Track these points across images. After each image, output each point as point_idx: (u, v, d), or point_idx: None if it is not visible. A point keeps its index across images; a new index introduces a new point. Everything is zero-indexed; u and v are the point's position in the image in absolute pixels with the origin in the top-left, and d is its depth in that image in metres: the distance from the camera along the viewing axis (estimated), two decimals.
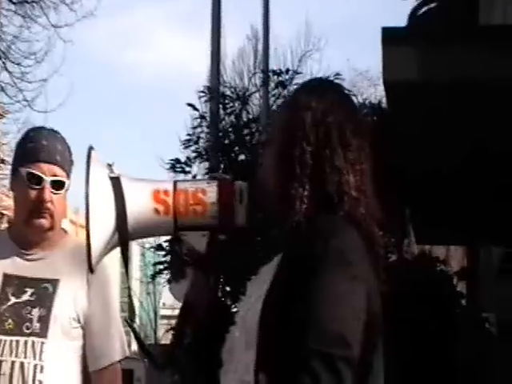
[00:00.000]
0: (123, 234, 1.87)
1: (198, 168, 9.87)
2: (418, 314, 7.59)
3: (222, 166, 9.20)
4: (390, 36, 5.03)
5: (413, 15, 7.76)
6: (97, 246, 1.88)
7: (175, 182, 1.92)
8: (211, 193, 1.90)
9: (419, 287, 7.83)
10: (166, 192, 1.88)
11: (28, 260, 2.68)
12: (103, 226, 1.86)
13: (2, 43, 12.81)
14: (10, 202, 25.52)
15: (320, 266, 1.75)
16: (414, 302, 7.65)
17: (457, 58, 5.00)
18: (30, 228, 2.67)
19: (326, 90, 2.03)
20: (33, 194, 2.64)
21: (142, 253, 40.17)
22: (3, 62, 12.86)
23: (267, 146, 1.98)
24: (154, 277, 11.14)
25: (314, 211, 1.85)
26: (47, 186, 2.64)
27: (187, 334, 2.02)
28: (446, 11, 7.29)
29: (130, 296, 2.00)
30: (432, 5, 7.75)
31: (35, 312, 2.60)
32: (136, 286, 38.18)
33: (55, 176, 2.65)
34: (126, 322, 1.97)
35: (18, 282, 2.64)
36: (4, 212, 32.30)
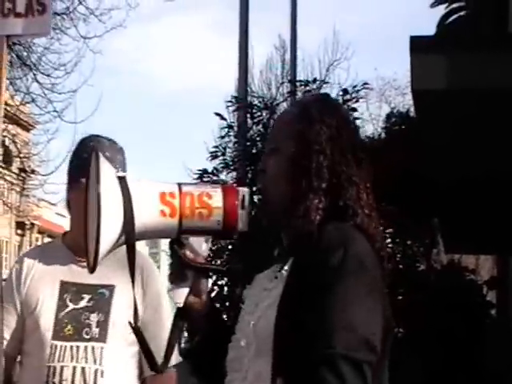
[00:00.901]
0: (130, 235, 1.86)
1: (226, 178, 9.89)
2: (448, 323, 7.54)
3: (249, 175, 9.21)
4: (418, 45, 5.02)
5: (441, 24, 7.74)
6: (105, 246, 1.87)
7: (179, 185, 1.90)
8: (216, 197, 1.89)
9: (448, 297, 7.78)
10: (171, 194, 1.87)
11: (84, 267, 2.70)
12: (112, 226, 1.84)
13: (33, 55, 12.93)
14: (40, 211, 25.73)
15: (341, 273, 1.78)
16: (443, 311, 7.60)
17: (485, 66, 4.97)
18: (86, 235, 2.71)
19: (335, 106, 2.11)
20: None
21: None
22: (34, 74, 12.98)
23: (274, 155, 1.98)
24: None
25: (324, 221, 1.90)
26: None
27: (183, 340, 2.02)
28: (475, 19, 7.26)
29: (134, 298, 2.02)
30: (461, 13, 7.71)
31: (93, 317, 2.64)
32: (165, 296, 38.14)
33: None
34: (129, 324, 1.97)
35: (75, 289, 2.68)
36: (34, 222, 32.66)
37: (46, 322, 2.64)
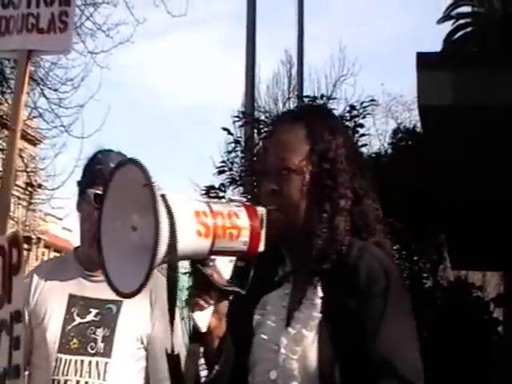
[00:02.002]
0: (173, 256, 1.75)
1: (233, 193, 9.89)
2: (454, 340, 7.50)
3: (256, 190, 9.21)
4: (424, 61, 5.02)
5: (448, 39, 7.74)
6: (155, 266, 1.77)
7: (208, 203, 1.84)
8: (243, 217, 1.85)
9: (455, 314, 7.75)
10: (204, 213, 1.80)
11: (92, 281, 2.73)
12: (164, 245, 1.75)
13: (40, 70, 12.98)
14: (46, 226, 25.77)
15: (388, 302, 1.84)
16: (449, 328, 7.57)
17: (492, 82, 4.97)
18: (95, 249, 2.71)
19: (334, 117, 2.13)
20: (93, 214, 2.66)
21: None
22: (41, 89, 13.02)
23: (289, 175, 1.94)
24: (187, 302, 11.11)
25: (347, 240, 1.90)
26: None
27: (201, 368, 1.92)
28: (482, 36, 7.26)
29: (171, 324, 1.95)
30: (468, 29, 7.71)
31: (99, 332, 2.65)
32: None
33: None
34: (165, 351, 1.91)
35: (82, 303, 2.69)
36: (41, 236, 32.68)
37: (53, 334, 2.65)
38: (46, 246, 36.49)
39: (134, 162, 1.76)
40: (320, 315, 1.86)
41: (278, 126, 2.07)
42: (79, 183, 2.80)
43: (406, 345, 1.83)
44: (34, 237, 32.93)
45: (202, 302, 1.87)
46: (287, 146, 1.99)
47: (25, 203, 19.41)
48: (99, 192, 2.67)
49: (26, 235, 32.31)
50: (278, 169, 1.96)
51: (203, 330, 1.89)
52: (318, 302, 1.88)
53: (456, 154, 5.81)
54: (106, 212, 1.84)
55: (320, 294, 1.88)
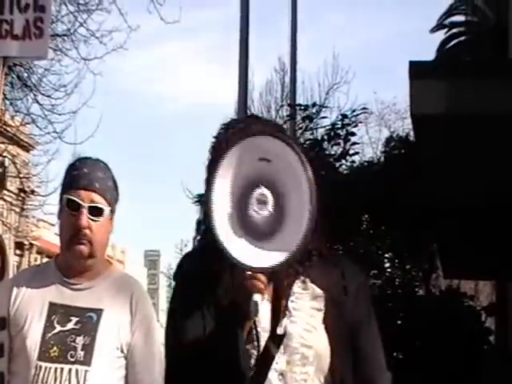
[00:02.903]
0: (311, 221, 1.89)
1: None
2: (446, 349, 7.49)
3: None
4: (417, 70, 5.02)
5: (441, 48, 7.76)
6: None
7: None
8: None
9: (447, 323, 7.74)
10: None
11: (73, 289, 2.72)
12: None
13: (33, 76, 12.97)
14: (39, 232, 25.73)
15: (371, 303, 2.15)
16: (441, 337, 7.56)
17: (485, 91, 4.97)
18: (71, 255, 2.72)
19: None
20: (71, 220, 2.69)
21: (169, 284, 40.18)
22: (34, 95, 13.01)
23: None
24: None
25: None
26: (85, 212, 2.68)
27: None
28: (475, 45, 7.28)
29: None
30: (461, 38, 7.74)
31: (79, 340, 2.64)
32: (163, 318, 38.11)
33: (93, 202, 2.69)
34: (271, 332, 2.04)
35: (63, 311, 2.68)
36: (33, 242, 32.60)
37: (33, 342, 2.64)
38: (39, 252, 36.38)
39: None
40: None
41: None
42: (60, 190, 2.80)
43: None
44: (26, 243, 32.85)
45: (261, 286, 1.91)
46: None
47: (17, 209, 19.38)
48: (70, 197, 2.69)
49: (18, 241, 32.28)
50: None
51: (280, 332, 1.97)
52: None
53: (449, 163, 5.81)
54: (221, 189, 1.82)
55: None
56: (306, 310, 2.03)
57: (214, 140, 2.14)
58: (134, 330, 2.68)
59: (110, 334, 2.65)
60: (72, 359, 2.62)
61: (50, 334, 2.64)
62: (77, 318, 2.66)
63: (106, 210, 2.72)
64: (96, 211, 2.70)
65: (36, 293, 2.71)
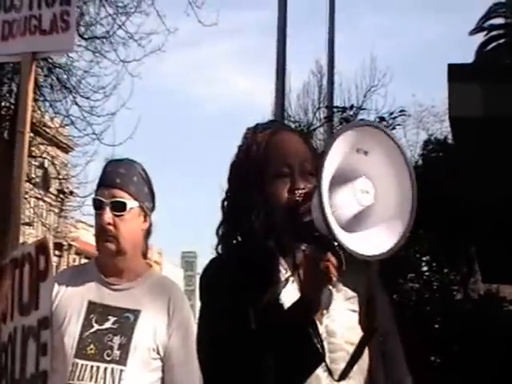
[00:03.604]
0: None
1: None
2: (485, 354, 7.43)
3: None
4: (456, 72, 4.99)
5: (480, 51, 7.69)
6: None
7: None
8: None
9: (484, 327, 7.67)
10: None
11: (112, 289, 2.75)
12: None
13: (73, 78, 13.10)
14: (77, 233, 25.96)
15: None
16: (478, 342, 7.49)
17: None
18: (101, 253, 2.76)
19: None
20: (97, 219, 2.72)
21: None
22: (73, 97, 13.14)
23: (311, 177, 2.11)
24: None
25: None
26: (107, 208, 2.69)
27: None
28: None
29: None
30: (500, 41, 7.66)
31: (116, 340, 2.66)
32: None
33: (114, 198, 2.70)
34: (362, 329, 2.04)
35: (101, 310, 2.71)
36: (72, 243, 32.90)
37: (71, 339, 2.67)
38: (77, 253, 36.72)
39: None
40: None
41: (290, 133, 2.21)
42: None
43: None
44: (65, 243, 33.15)
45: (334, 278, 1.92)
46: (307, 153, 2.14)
47: (56, 210, 19.55)
48: (93, 196, 2.74)
49: (57, 242, 32.58)
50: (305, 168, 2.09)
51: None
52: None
53: (487, 166, 5.76)
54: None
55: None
56: (342, 311, 2.03)
57: (243, 142, 2.16)
58: (170, 333, 2.69)
59: (146, 335, 2.66)
60: (108, 358, 2.64)
61: (87, 333, 2.67)
62: (115, 318, 2.68)
63: (130, 203, 2.71)
64: (119, 206, 2.70)
65: (75, 292, 2.74)
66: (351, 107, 10.07)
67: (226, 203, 2.16)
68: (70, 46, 3.42)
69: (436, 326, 8.20)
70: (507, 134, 5.18)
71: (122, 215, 2.70)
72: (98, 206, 2.71)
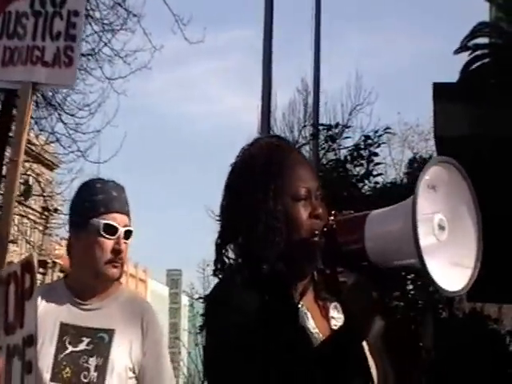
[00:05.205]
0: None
1: None
2: (470, 373, 7.42)
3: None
4: (441, 91, 5.02)
5: (465, 70, 7.74)
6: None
7: None
8: None
9: (470, 346, 7.67)
10: None
11: (83, 309, 2.73)
12: None
13: (58, 95, 13.08)
14: (62, 250, 25.84)
15: None
16: (464, 360, 7.49)
17: (509, 113, 4.96)
18: (101, 278, 2.73)
19: None
20: (109, 244, 2.70)
21: (191, 303, 40.22)
22: (59, 114, 13.12)
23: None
24: (202, 328, 11.11)
25: None
26: (122, 236, 2.71)
27: None
28: (499, 67, 7.26)
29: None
30: (485, 60, 7.71)
31: (92, 361, 2.64)
32: (185, 337, 38.14)
33: (126, 226, 2.74)
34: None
35: (74, 332, 2.68)
36: (56, 261, 32.77)
37: (45, 363, 2.64)
38: (62, 271, 36.56)
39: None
40: None
41: (300, 154, 2.17)
42: (78, 213, 2.78)
43: None
44: (49, 261, 33.02)
45: None
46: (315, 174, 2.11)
47: (41, 227, 19.48)
48: (107, 221, 2.70)
49: (41, 259, 32.47)
50: (318, 194, 2.06)
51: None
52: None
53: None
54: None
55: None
56: None
57: (240, 159, 2.10)
58: (145, 351, 2.69)
59: (122, 355, 2.65)
60: (85, 380, 2.61)
61: (62, 355, 2.65)
62: (88, 339, 2.66)
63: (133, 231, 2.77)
64: (128, 234, 2.74)
65: (47, 313, 2.71)
66: (336, 125, 10.11)
67: (228, 213, 2.04)
68: (71, 81, 3.40)
69: (420, 344, 8.20)
70: (493, 153, 5.21)
71: (128, 243, 2.74)
72: (113, 232, 2.71)
